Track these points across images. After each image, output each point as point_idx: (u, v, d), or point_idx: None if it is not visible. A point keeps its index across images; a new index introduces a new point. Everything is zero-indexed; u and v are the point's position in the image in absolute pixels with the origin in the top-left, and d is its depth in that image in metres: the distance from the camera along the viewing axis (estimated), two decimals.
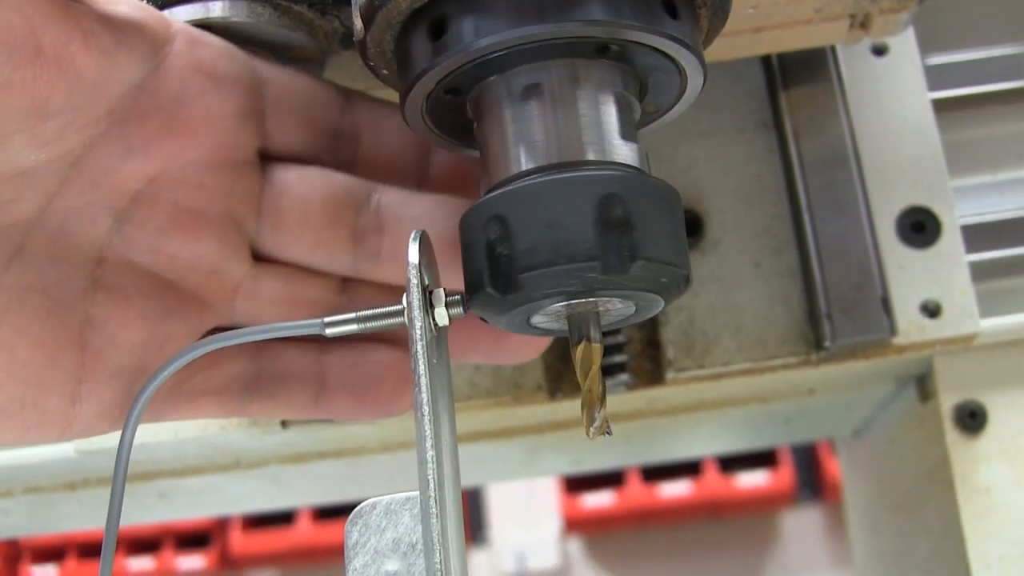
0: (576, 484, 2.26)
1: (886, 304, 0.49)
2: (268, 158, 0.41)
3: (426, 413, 0.32)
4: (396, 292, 0.42)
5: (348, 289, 0.43)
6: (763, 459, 2.26)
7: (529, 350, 0.44)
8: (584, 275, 0.32)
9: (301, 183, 0.41)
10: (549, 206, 0.33)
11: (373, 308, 0.36)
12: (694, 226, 0.51)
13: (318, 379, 0.43)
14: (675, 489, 2.25)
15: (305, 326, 0.36)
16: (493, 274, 0.33)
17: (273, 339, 0.43)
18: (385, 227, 0.41)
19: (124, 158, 0.37)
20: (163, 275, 0.39)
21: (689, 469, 2.25)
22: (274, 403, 0.42)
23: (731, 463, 2.26)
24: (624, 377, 0.50)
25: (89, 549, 2.29)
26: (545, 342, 0.44)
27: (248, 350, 0.42)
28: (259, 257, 0.42)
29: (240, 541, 2.34)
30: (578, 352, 0.35)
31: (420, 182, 0.43)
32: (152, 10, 0.38)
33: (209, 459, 0.58)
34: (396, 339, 0.44)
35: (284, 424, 0.51)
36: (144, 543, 2.35)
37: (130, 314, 0.38)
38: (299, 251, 0.41)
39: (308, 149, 0.41)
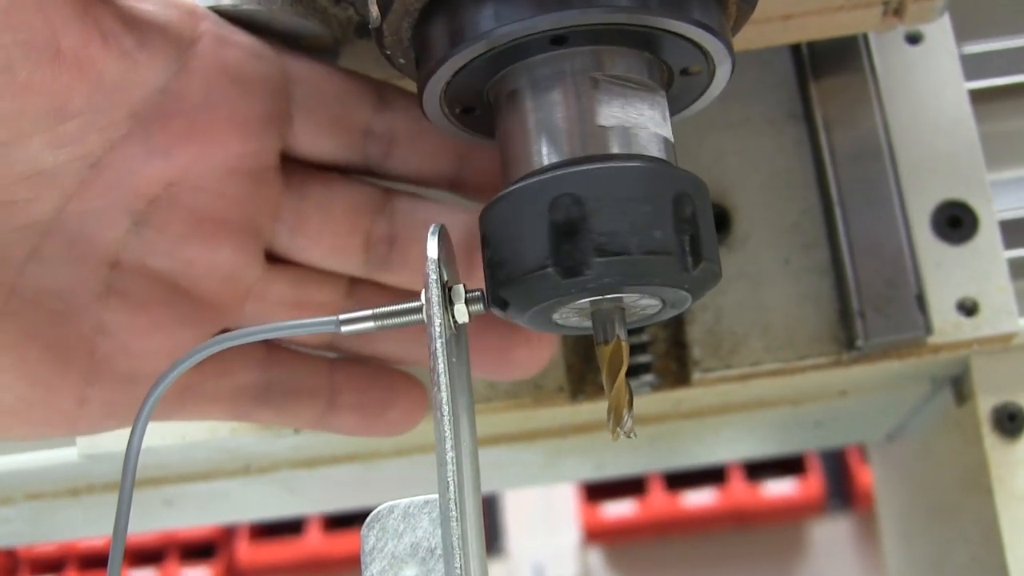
0: (596, 492, 2.26)
1: (921, 302, 0.49)
2: (294, 160, 0.42)
3: (446, 413, 0.32)
4: (404, 296, 0.43)
5: (355, 292, 0.43)
6: (791, 466, 2.26)
7: (532, 364, 0.45)
8: (547, 283, 0.33)
9: (323, 188, 0.42)
10: (509, 218, 0.34)
11: (391, 305, 0.36)
12: (721, 221, 0.51)
13: (328, 396, 0.44)
14: (699, 498, 2.25)
15: (320, 323, 0.36)
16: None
17: (285, 353, 0.44)
18: (396, 232, 0.42)
19: (145, 161, 0.38)
20: (178, 281, 0.40)
21: (714, 477, 2.25)
22: (280, 414, 0.43)
23: (757, 471, 2.25)
24: (649, 378, 0.50)
25: (90, 560, 2.30)
26: (546, 358, 0.45)
27: (259, 361, 0.43)
28: (271, 258, 0.42)
29: (247, 552, 2.34)
30: (604, 352, 0.35)
31: (455, 184, 0.44)
32: (180, 5, 0.38)
33: (218, 464, 0.58)
34: (408, 359, 0.45)
35: (297, 429, 0.52)
36: (147, 554, 2.35)
37: (143, 322, 0.39)
38: (315, 254, 0.42)
39: (336, 150, 0.42)
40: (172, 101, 0.38)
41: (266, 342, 0.43)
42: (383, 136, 0.42)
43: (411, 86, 0.40)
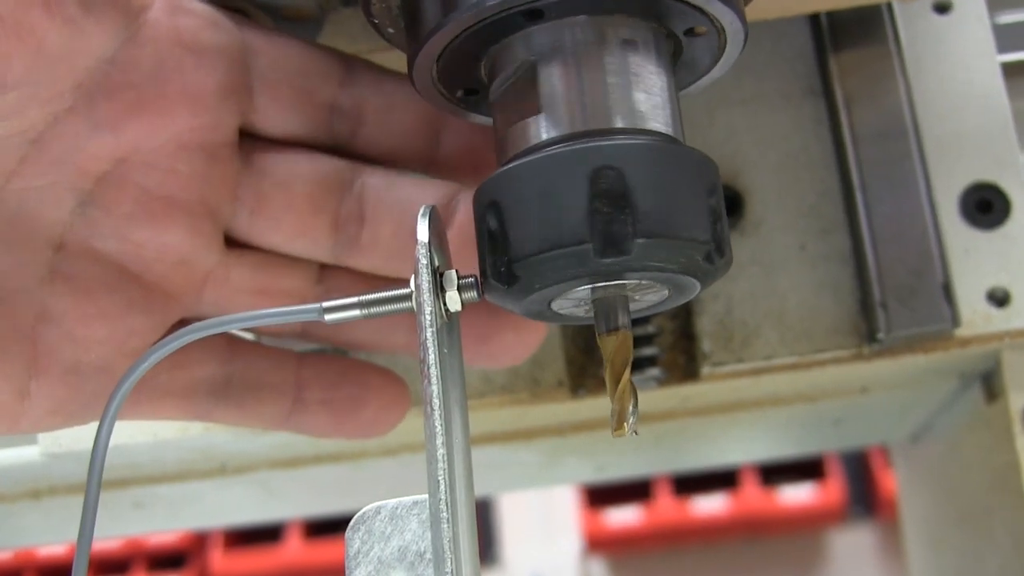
0: (599, 497, 2.26)
1: (948, 291, 0.50)
2: (253, 136, 0.42)
3: (436, 407, 0.33)
4: (377, 281, 0.43)
5: (325, 278, 0.44)
6: (809, 470, 2.26)
7: (518, 351, 0.45)
8: (578, 260, 0.33)
9: (284, 165, 0.42)
10: (538, 186, 0.34)
11: (378, 292, 0.36)
12: (733, 204, 0.52)
13: (294, 392, 0.44)
14: (710, 504, 2.25)
15: (303, 311, 0.37)
16: (494, 265, 0.35)
17: (247, 344, 0.44)
18: (366, 213, 0.42)
19: (91, 136, 0.38)
20: (127, 265, 0.40)
21: (725, 481, 2.25)
22: (242, 412, 0.44)
23: (773, 475, 2.26)
24: (654, 372, 0.51)
25: (51, 570, 2.29)
26: (535, 344, 0.45)
27: (220, 353, 0.43)
28: (232, 242, 0.42)
29: (221, 561, 2.34)
30: (608, 342, 0.35)
31: (429, 162, 0.44)
32: None
33: (191, 463, 0.59)
34: (386, 345, 0.45)
35: None
36: (111, 564, 2.35)
37: (90, 309, 0.39)
38: (278, 237, 0.42)
39: (300, 127, 0.42)
40: (120, 72, 0.38)
41: (226, 332, 0.43)
42: (350, 112, 0.42)
43: (386, 60, 0.41)
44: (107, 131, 0.38)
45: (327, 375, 0.44)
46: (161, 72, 0.38)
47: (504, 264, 0.34)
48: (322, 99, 0.42)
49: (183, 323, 0.41)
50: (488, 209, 0.35)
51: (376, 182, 0.42)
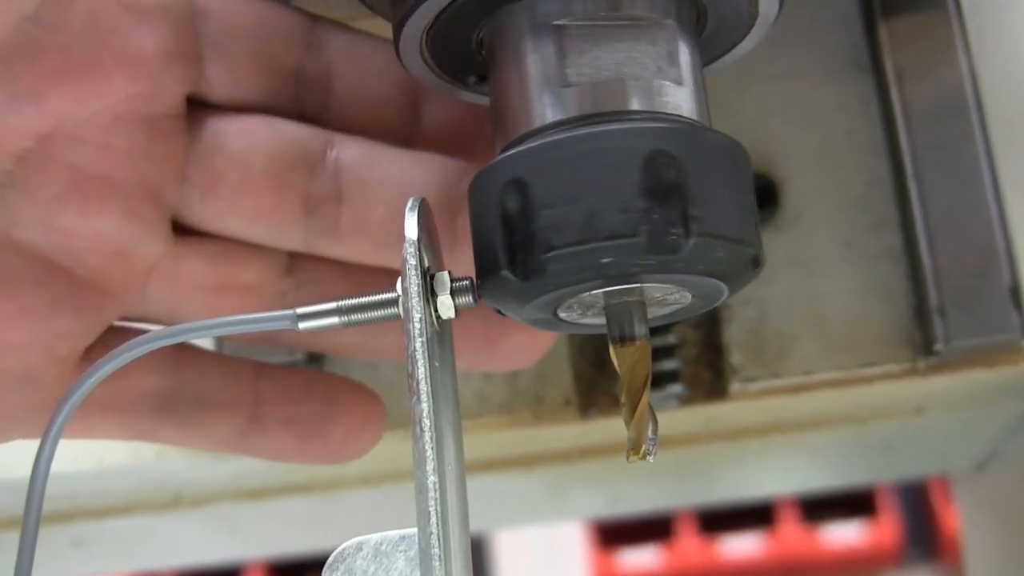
0: (611, 536, 2.26)
1: (1016, 295, 0.50)
2: (204, 106, 0.42)
3: (427, 428, 0.33)
4: (359, 275, 0.44)
5: (296, 270, 0.44)
6: (858, 505, 2.26)
7: (525, 354, 0.45)
8: (624, 255, 0.33)
9: (240, 137, 0.42)
10: (581, 168, 0.34)
11: (360, 296, 0.37)
12: (767, 195, 0.52)
13: (250, 408, 0.44)
14: (742, 545, 2.25)
15: (273, 319, 0.37)
16: (510, 254, 0.35)
17: (196, 352, 0.44)
18: (344, 192, 0.42)
19: (9, 108, 0.38)
20: (54, 257, 0.40)
21: (760, 518, 2.25)
22: (189, 432, 0.43)
23: (816, 510, 2.25)
24: (676, 388, 0.51)
25: None
26: (546, 345, 0.45)
27: (165, 362, 0.43)
28: (182, 229, 0.42)
29: None
30: (622, 354, 0.36)
31: (408, 139, 0.44)
32: None
33: (141, 494, 0.59)
34: (366, 350, 0.46)
35: None
36: None
37: (10, 307, 0.39)
38: (235, 223, 0.42)
39: (259, 96, 0.42)
40: (44, 33, 0.38)
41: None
42: (318, 80, 0.43)
43: (368, 29, 0.41)
44: (28, 102, 0.38)
45: (289, 389, 0.44)
46: (93, 32, 0.39)
47: (527, 253, 0.34)
48: (284, 64, 0.42)
49: (130, 334, 0.41)
50: (508, 189, 0.35)
51: (354, 156, 0.42)
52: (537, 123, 0.36)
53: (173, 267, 0.42)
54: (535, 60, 0.37)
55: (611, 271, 0.34)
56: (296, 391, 0.44)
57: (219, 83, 0.41)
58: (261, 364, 0.45)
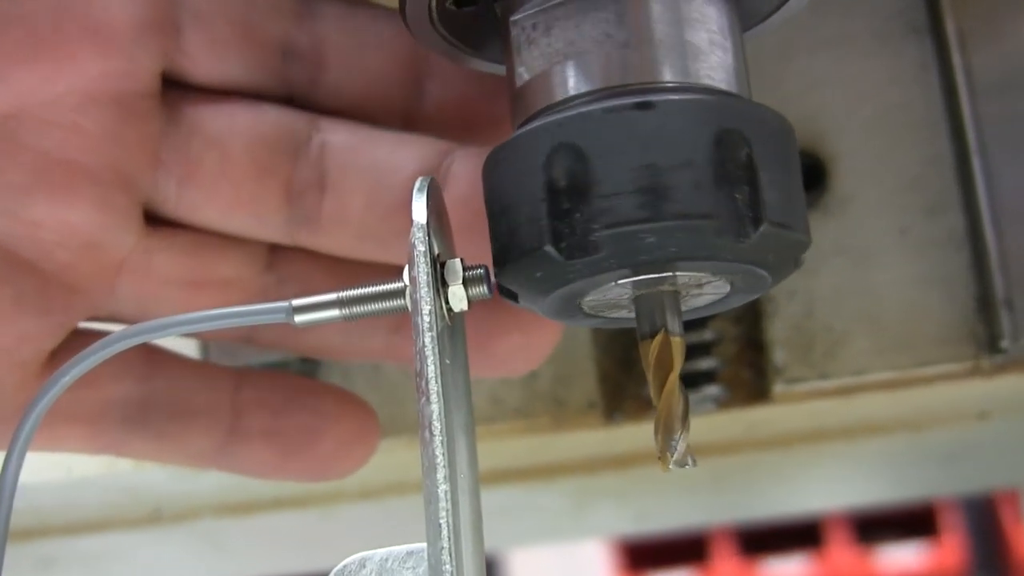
0: (639, 556, 2.26)
1: None
2: (181, 86, 0.42)
3: (437, 432, 0.33)
4: (347, 270, 0.44)
5: (277, 264, 0.44)
6: (917, 523, 2.26)
7: (524, 359, 0.45)
8: (695, 238, 0.34)
9: (218, 120, 0.42)
10: (649, 139, 0.34)
11: (362, 286, 0.37)
12: (813, 175, 0.52)
13: (229, 420, 0.44)
14: (786, 568, 2.25)
15: (265, 311, 0.37)
16: (556, 228, 0.35)
17: (171, 358, 0.44)
18: (328, 179, 0.42)
19: None
20: (18, 250, 0.40)
21: (807, 538, 2.25)
22: (163, 444, 0.44)
23: (870, 529, 2.25)
24: (713, 390, 0.51)
25: None
26: (546, 350, 0.45)
27: (136, 368, 0.43)
28: (155, 220, 0.43)
29: None
30: (651, 349, 0.36)
31: (408, 118, 0.44)
32: None
33: (117, 509, 0.59)
34: (353, 351, 0.46)
35: None
36: None
37: None
38: (213, 212, 0.42)
39: (242, 73, 0.42)
40: (7, 4, 0.38)
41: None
42: (308, 54, 0.43)
43: None
44: None
45: (272, 399, 0.44)
46: (60, 5, 0.39)
47: (581, 228, 0.34)
48: (271, 37, 0.42)
49: (96, 337, 0.40)
50: (557, 156, 0.35)
51: (340, 140, 0.42)
52: (558, 94, 0.37)
53: (145, 261, 0.42)
54: (557, 27, 0.37)
55: (679, 254, 0.34)
56: (280, 401, 0.44)
57: (199, 57, 0.42)
58: (242, 371, 0.45)
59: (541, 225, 0.35)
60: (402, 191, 0.41)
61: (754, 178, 0.34)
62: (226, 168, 0.42)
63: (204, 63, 0.42)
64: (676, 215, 0.33)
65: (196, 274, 0.43)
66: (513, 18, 0.38)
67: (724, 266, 0.35)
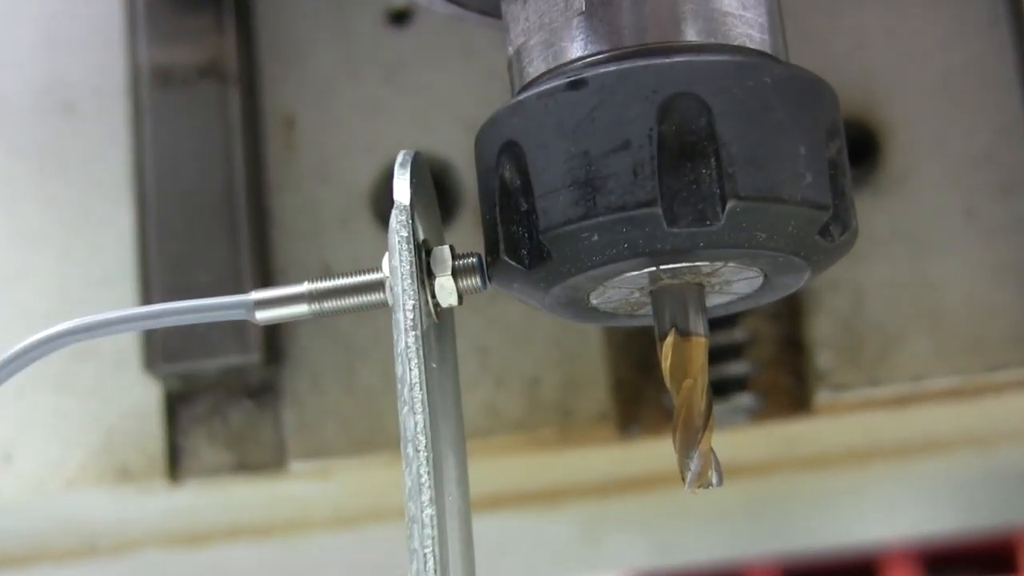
0: None
1: None
2: None
3: (422, 447, 0.34)
4: None
5: None
6: (993, 558, 2.25)
7: None
8: (639, 231, 0.34)
9: None
10: (582, 123, 0.35)
11: (336, 278, 0.38)
12: (863, 148, 0.53)
13: None
14: None
15: (221, 307, 0.38)
16: (508, 234, 0.36)
17: None
18: None
19: None
20: None
21: (862, 574, 2.24)
22: None
23: (937, 565, 2.25)
24: (745, 400, 0.52)
25: None
26: None
27: None
28: None
29: None
30: (669, 351, 0.37)
31: None
32: None
33: (45, 539, 0.60)
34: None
35: (174, 477, 0.54)
36: None
37: None
38: None
39: None
40: None
41: None
42: None
43: None
44: None
45: None
46: None
47: (526, 234, 0.35)
48: None
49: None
50: (503, 154, 0.36)
51: None
52: (545, 64, 0.37)
53: None
54: None
55: (625, 252, 0.35)
56: None
57: None
58: None
59: (497, 232, 0.36)
60: None
61: (716, 149, 0.34)
62: None
63: None
64: (612, 208, 0.34)
65: None
66: None
67: (691, 256, 0.35)
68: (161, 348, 0.52)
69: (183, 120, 0.55)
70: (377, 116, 0.57)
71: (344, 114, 0.57)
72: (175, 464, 0.54)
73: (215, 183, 0.54)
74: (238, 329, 0.51)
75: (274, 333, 0.53)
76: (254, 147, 0.56)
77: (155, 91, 0.55)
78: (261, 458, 0.53)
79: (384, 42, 0.57)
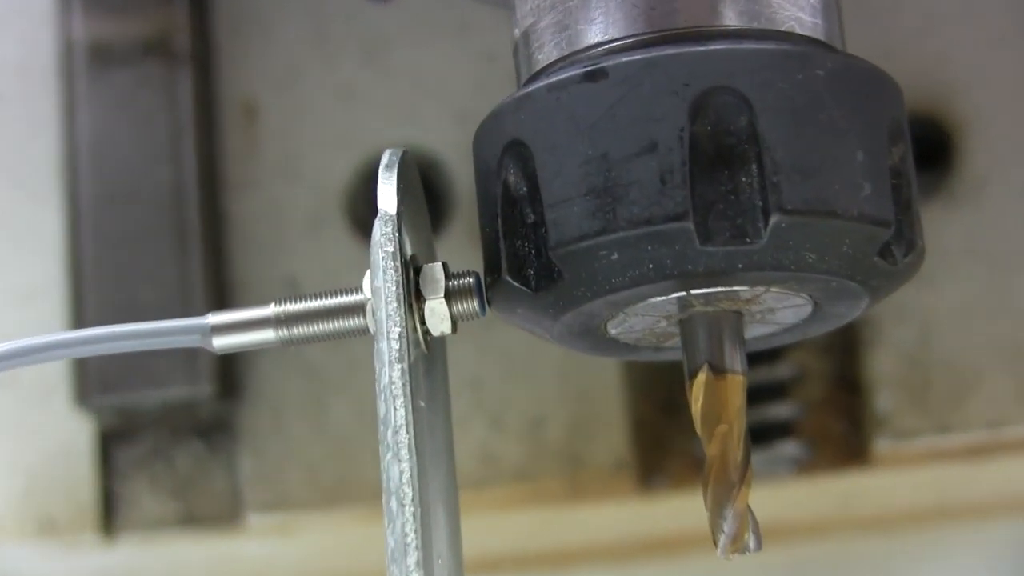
0: None
1: None
2: None
3: (408, 501, 0.34)
4: None
5: None
6: None
7: None
8: (667, 249, 0.35)
9: None
10: (601, 122, 0.35)
11: (308, 299, 0.38)
12: (934, 150, 0.54)
13: None
14: None
15: (175, 330, 0.39)
16: (512, 251, 0.36)
17: None
18: None
19: None
20: None
21: None
22: None
23: None
24: (790, 449, 0.53)
25: None
26: None
27: None
28: None
29: None
30: (700, 390, 0.37)
31: None
32: None
33: None
34: None
35: (108, 530, 0.55)
36: None
37: None
38: None
39: None
40: None
41: None
42: None
43: None
44: None
45: None
46: None
47: (533, 251, 0.36)
48: None
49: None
50: (507, 156, 0.36)
51: None
52: (558, 51, 0.38)
53: None
54: None
55: (650, 274, 0.35)
56: None
57: None
58: None
59: (499, 248, 0.37)
60: None
61: (760, 153, 0.34)
62: None
63: None
64: (635, 221, 0.34)
65: None
66: None
67: (751, 276, 0.36)
68: (95, 377, 0.52)
69: (124, 106, 0.55)
70: (353, 104, 0.57)
71: (315, 101, 0.58)
72: (110, 515, 0.54)
73: (162, 181, 0.54)
74: (187, 356, 0.51)
75: (230, 361, 0.53)
76: (208, 138, 0.57)
77: (91, 71, 0.56)
78: (212, 509, 0.54)
79: (362, 17, 0.57)
